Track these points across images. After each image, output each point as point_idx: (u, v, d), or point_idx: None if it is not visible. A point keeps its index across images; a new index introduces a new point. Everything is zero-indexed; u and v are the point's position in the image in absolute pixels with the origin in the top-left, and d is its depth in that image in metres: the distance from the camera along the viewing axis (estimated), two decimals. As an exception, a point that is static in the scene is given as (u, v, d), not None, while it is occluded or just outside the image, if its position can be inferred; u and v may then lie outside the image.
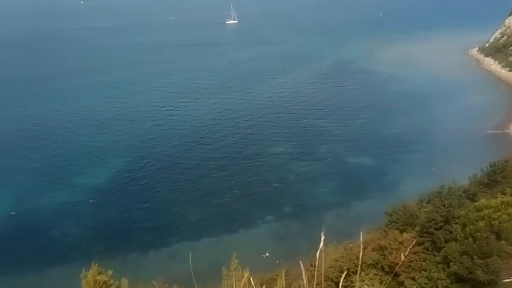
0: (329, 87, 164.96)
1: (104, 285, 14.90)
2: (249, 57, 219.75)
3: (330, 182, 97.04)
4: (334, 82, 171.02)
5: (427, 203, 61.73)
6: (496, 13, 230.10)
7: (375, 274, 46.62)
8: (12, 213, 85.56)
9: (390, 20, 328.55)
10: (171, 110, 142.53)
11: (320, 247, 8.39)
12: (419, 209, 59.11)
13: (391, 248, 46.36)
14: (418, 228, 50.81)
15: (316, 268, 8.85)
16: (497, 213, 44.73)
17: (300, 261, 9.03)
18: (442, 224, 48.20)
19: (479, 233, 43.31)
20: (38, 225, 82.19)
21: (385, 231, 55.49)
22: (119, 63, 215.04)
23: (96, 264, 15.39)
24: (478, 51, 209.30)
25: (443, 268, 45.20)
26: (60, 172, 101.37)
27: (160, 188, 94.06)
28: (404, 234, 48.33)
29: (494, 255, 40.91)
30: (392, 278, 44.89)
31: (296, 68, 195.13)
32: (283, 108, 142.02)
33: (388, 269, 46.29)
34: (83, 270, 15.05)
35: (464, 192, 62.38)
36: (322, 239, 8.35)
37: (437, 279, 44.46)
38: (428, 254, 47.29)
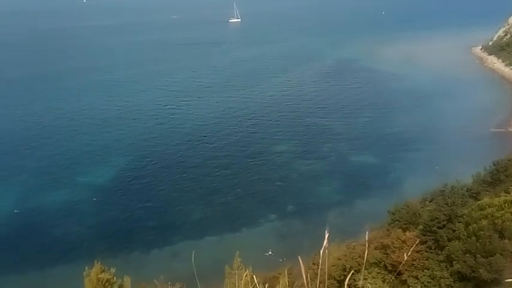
0: (332, 85, 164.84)
1: (106, 284, 14.89)
2: (251, 56, 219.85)
3: (333, 181, 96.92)
4: (336, 81, 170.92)
5: (430, 201, 61.67)
6: (499, 11, 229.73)
7: (378, 273, 46.60)
8: (15, 211, 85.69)
9: (393, 19, 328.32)
10: (174, 108, 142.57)
11: (324, 245, 8.36)
12: (422, 207, 59.04)
13: (394, 247, 46.30)
14: (421, 226, 50.75)
15: (320, 267, 8.82)
16: (501, 212, 44.66)
17: (300, 259, 8.95)
18: (445, 222, 48.11)
19: (482, 232, 43.23)
20: (41, 223, 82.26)
21: (388, 230, 55.42)
22: (121, 61, 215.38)
23: (99, 263, 15.37)
24: (481, 49, 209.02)
25: (446, 267, 45.15)
26: (62, 171, 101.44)
27: (163, 187, 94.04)
28: (407, 233, 48.30)
29: (497, 254, 40.85)
30: (395, 277, 44.85)
31: (299, 67, 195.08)
32: (286, 106, 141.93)
33: (391, 268, 46.24)
34: (86, 268, 15.02)
35: (467, 191, 62.36)
36: (326, 236, 8.31)
37: (440, 277, 44.40)
38: (431, 252, 47.23)
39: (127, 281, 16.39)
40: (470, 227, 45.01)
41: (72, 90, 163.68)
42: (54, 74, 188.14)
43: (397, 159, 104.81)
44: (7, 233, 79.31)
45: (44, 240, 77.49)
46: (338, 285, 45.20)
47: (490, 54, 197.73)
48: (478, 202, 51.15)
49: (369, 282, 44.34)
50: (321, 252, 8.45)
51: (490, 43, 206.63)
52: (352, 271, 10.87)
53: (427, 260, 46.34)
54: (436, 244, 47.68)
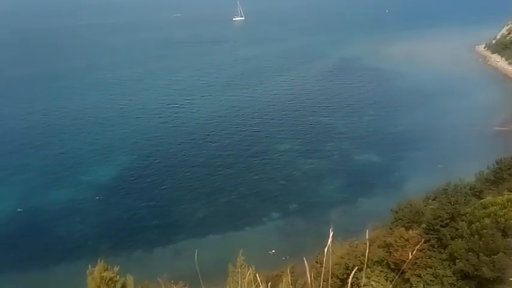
0: (335, 84, 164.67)
1: (110, 282, 14.95)
2: (255, 54, 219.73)
3: (336, 180, 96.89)
4: (340, 79, 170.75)
5: (433, 200, 61.69)
6: (502, 10, 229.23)
7: (381, 271, 46.65)
8: (18, 210, 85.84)
9: (396, 17, 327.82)
10: (177, 107, 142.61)
11: (328, 243, 8.40)
12: (425, 206, 59.06)
13: (397, 245, 46.36)
14: (424, 225, 50.79)
15: (324, 265, 8.87)
16: (504, 211, 44.70)
17: (304, 259, 9.02)
18: (448, 221, 48.17)
19: (485, 230, 43.28)
20: (45, 222, 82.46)
21: (391, 229, 55.49)
22: (124, 60, 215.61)
23: (102, 261, 15.44)
24: (484, 47, 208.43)
25: (449, 265, 45.20)
26: (66, 170, 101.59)
27: (167, 186, 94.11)
28: (410, 232, 48.32)
29: (500, 253, 40.89)
30: (398, 275, 44.89)
31: (302, 65, 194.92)
32: (290, 105, 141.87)
33: (393, 266, 46.30)
34: (89, 266, 15.09)
35: (470, 190, 62.36)
36: (331, 235, 8.35)
37: (443, 276, 44.45)
38: (434, 251, 47.28)
39: (130, 279, 16.46)
40: (473, 225, 45.04)
41: (76, 89, 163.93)
42: (57, 72, 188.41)
43: (400, 157, 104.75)
44: (11, 232, 79.51)
45: (48, 239, 77.69)
46: (341, 283, 45.26)
47: (493, 52, 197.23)
48: (481, 201, 51.18)
49: (373, 280, 44.42)
50: (325, 250, 8.49)
51: (494, 41, 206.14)
52: (355, 269, 10.90)
53: (429, 258, 46.40)
54: (439, 243, 47.73)
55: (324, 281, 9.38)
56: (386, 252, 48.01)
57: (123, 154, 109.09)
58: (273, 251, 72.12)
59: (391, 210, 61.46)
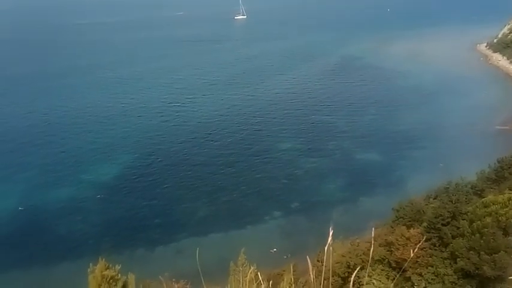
0: (337, 83, 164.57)
1: (111, 280, 14.98)
2: (257, 53, 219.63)
3: (338, 179, 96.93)
4: (342, 78, 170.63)
5: (435, 198, 61.74)
6: (504, 9, 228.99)
7: (382, 270, 46.68)
8: (20, 208, 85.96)
9: (398, 16, 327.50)
10: (179, 106, 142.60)
11: (328, 242, 8.42)
12: (427, 205, 59.13)
13: (398, 244, 46.39)
14: (425, 224, 50.82)
15: (324, 264, 8.89)
16: (505, 209, 44.70)
17: (307, 257, 9.06)
18: (449, 219, 48.18)
19: (486, 229, 43.30)
20: (46, 221, 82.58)
21: (392, 227, 55.54)
22: (125, 58, 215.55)
23: (104, 260, 15.47)
24: (486, 46, 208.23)
25: (450, 264, 45.22)
26: (67, 168, 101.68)
27: (168, 185, 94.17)
28: (411, 230, 48.37)
29: (501, 251, 40.90)
30: (399, 274, 44.93)
31: (304, 64, 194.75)
32: (291, 104, 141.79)
33: (395, 265, 46.33)
34: (90, 265, 15.13)
35: (471, 188, 62.39)
36: (331, 233, 8.38)
37: (444, 275, 44.47)
38: (435, 249, 47.31)
39: (131, 278, 16.49)
40: (474, 224, 45.06)
41: (77, 87, 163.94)
42: (58, 71, 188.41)
43: (401, 156, 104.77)
44: (12, 230, 79.63)
45: (49, 238, 77.82)
46: (342, 282, 45.33)
47: (494, 51, 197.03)
48: (482, 199, 51.20)
49: (374, 279, 44.46)
50: (325, 249, 8.52)
51: (495, 40, 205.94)
52: (358, 268, 10.93)
53: (431, 257, 46.42)
54: (440, 241, 47.75)
55: (324, 279, 9.40)
56: (388, 250, 48.04)
57: (125, 153, 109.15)
58: (275, 249, 72.21)
59: (392, 208, 61.51)
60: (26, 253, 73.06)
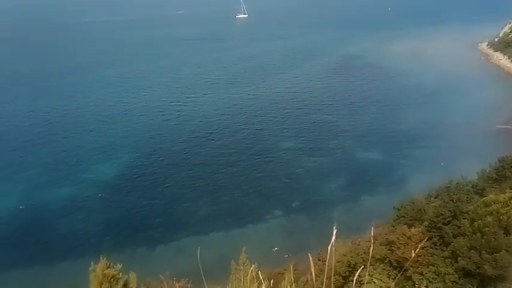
0: (338, 82, 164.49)
1: (112, 279, 14.99)
2: (258, 52, 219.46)
3: (339, 178, 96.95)
4: (343, 77, 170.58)
5: (436, 198, 61.72)
6: (505, 8, 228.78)
7: (383, 269, 46.66)
8: (21, 207, 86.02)
9: (399, 15, 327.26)
10: (180, 105, 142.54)
11: (332, 241, 8.42)
12: (428, 204, 59.10)
13: (399, 243, 46.38)
14: (426, 223, 50.80)
15: (326, 263, 8.90)
16: (506, 209, 44.66)
17: (309, 254, 9.04)
18: (450, 219, 48.17)
19: (487, 228, 43.27)
20: (47, 220, 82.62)
21: (393, 226, 55.52)
22: (126, 57, 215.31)
23: (105, 258, 15.48)
24: (487, 46, 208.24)
25: (451, 263, 45.20)
26: (68, 167, 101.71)
27: (169, 184, 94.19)
28: (413, 229, 48.35)
29: (502, 250, 40.90)
30: (400, 273, 44.91)
31: (305, 63, 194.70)
32: (293, 103, 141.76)
33: (396, 264, 46.32)
34: (92, 264, 15.14)
35: (472, 187, 62.34)
36: (334, 232, 8.37)
37: (445, 274, 44.47)
38: (436, 249, 47.30)
39: (133, 276, 16.49)
40: (475, 223, 45.04)
41: (78, 86, 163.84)
42: (60, 69, 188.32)
43: (402, 155, 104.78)
44: (13, 229, 79.70)
45: (50, 236, 77.88)
46: (343, 281, 45.33)
47: (495, 50, 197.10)
48: (483, 198, 51.14)
49: (375, 278, 44.45)
50: (329, 248, 8.52)
51: (496, 39, 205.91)
52: (360, 268, 10.92)
53: (432, 256, 46.41)
54: (441, 240, 47.74)
55: (326, 278, 9.39)
56: (389, 250, 48.04)
57: (126, 152, 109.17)
58: (276, 248, 72.24)
59: (393, 208, 61.49)
60: (27, 252, 73.11)
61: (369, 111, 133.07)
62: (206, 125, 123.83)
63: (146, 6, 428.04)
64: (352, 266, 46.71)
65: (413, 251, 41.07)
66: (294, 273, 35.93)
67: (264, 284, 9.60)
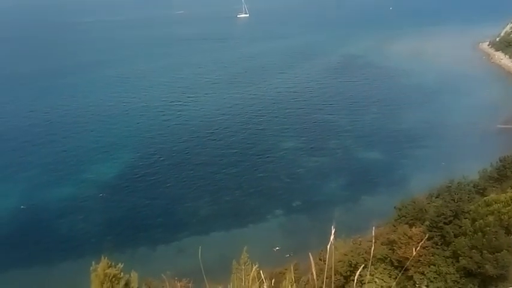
0: (339, 81, 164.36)
1: (113, 279, 14.99)
2: (259, 52, 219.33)
3: (340, 177, 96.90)
4: (344, 77, 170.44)
5: (437, 197, 61.70)
6: (506, 7, 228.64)
7: (384, 268, 46.67)
8: (22, 207, 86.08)
9: (400, 14, 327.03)
10: (180, 105, 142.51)
11: (330, 240, 8.42)
12: (429, 203, 59.09)
13: (400, 243, 46.38)
14: (427, 222, 50.80)
15: (327, 262, 8.90)
16: (507, 208, 44.66)
17: (310, 254, 9.04)
18: (451, 218, 48.16)
19: (488, 228, 43.26)
20: (48, 219, 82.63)
21: (394, 226, 55.54)
22: (127, 57, 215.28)
23: (106, 258, 15.49)
24: (488, 45, 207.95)
25: (452, 263, 45.21)
26: (69, 167, 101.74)
27: (170, 184, 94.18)
28: (414, 229, 48.35)
29: (503, 250, 40.89)
30: (401, 273, 44.92)
31: (306, 63, 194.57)
32: (293, 103, 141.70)
33: (397, 264, 46.32)
34: (93, 263, 15.15)
35: (474, 187, 62.36)
36: (333, 232, 8.37)
37: (446, 273, 44.47)
38: (438, 248, 47.31)
39: (134, 276, 16.50)
40: (476, 223, 45.03)
41: (79, 86, 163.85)
42: (60, 69, 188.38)
43: (403, 155, 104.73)
44: (14, 229, 79.78)
45: (51, 236, 77.91)
46: (344, 280, 45.33)
47: (497, 50, 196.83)
48: (485, 198, 51.15)
49: (376, 277, 44.45)
50: (328, 247, 8.52)
51: (497, 39, 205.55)
52: (361, 267, 10.91)
53: (433, 256, 46.41)
54: (442, 240, 47.74)
55: (327, 278, 9.39)
56: (390, 249, 48.04)
57: (127, 152, 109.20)
58: (278, 248, 72.22)
59: (394, 207, 61.50)
60: (28, 252, 73.14)
61: (370, 111, 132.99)
62: (207, 125, 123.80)
63: (146, 6, 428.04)
64: (353, 265, 46.69)
65: (414, 250, 41.08)
66: (294, 273, 35.95)
67: (265, 284, 9.60)
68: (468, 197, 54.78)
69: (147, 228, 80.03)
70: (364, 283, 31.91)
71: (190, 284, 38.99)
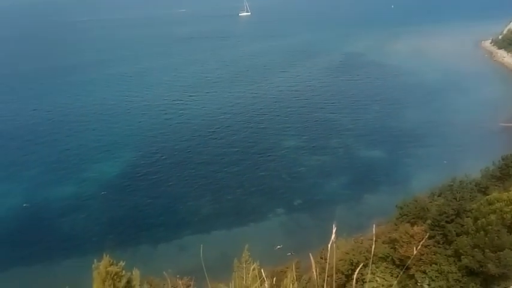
0: (341, 80, 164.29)
1: (115, 276, 14.98)
2: (261, 50, 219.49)
3: (342, 176, 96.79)
4: (346, 75, 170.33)
5: (439, 196, 61.59)
6: (508, 5, 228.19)
7: (386, 267, 46.63)
8: (24, 205, 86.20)
9: (402, 12, 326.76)
10: (182, 103, 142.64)
11: (332, 239, 8.41)
12: (431, 202, 58.99)
13: (402, 241, 46.34)
14: (429, 221, 50.75)
15: (328, 261, 8.89)
16: (510, 207, 44.56)
17: (310, 254, 9.06)
18: (453, 217, 48.11)
19: (490, 227, 43.20)
20: (50, 218, 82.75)
21: (396, 225, 55.47)
22: (129, 56, 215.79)
23: (108, 256, 15.48)
24: (490, 43, 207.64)
25: (454, 261, 45.15)
26: (71, 166, 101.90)
27: (172, 182, 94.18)
28: (415, 228, 48.29)
29: (506, 249, 40.81)
30: (403, 271, 44.88)
31: (308, 61, 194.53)
32: (295, 101, 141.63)
33: (398, 262, 46.28)
34: (95, 261, 15.16)
35: (476, 186, 62.22)
36: (334, 230, 8.36)
37: (448, 272, 44.41)
38: (439, 247, 47.25)
39: (136, 273, 16.48)
40: (478, 221, 44.97)
41: (81, 85, 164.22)
42: (63, 68, 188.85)
43: (405, 154, 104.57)
44: (16, 227, 79.92)
45: (53, 234, 78.01)
46: (346, 279, 45.30)
47: (499, 48, 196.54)
48: (487, 197, 51.05)
49: (378, 276, 44.42)
50: (329, 246, 8.51)
51: (500, 37, 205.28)
52: (360, 265, 10.92)
53: (434, 254, 46.36)
54: (444, 239, 47.69)
55: (328, 276, 9.39)
56: (391, 248, 48.01)
57: (129, 150, 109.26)
58: (280, 246, 72.16)
59: (396, 206, 61.45)
60: (31, 250, 73.27)
61: (372, 109, 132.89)
62: (209, 124, 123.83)
63: (148, 4, 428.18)
64: (354, 264, 46.67)
65: (415, 249, 41.04)
66: (296, 271, 35.91)
67: (266, 282, 9.61)
68: (470, 196, 54.72)
69: (149, 226, 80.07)
70: (366, 282, 31.92)
71: (191, 282, 38.97)
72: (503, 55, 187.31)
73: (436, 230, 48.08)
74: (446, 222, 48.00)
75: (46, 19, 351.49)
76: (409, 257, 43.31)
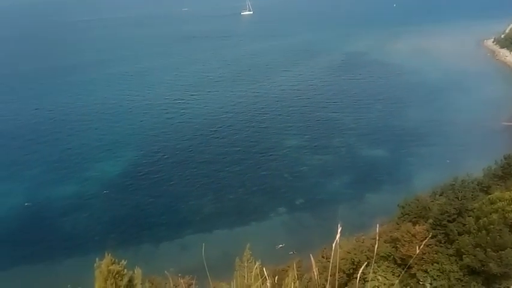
0: (343, 79, 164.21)
1: (117, 275, 14.99)
2: (263, 49, 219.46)
3: (344, 175, 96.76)
4: (348, 74, 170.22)
5: (440, 195, 61.52)
6: (511, 4, 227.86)
7: (387, 266, 46.62)
8: (26, 204, 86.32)
9: (404, 11, 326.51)
10: (184, 102, 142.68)
11: (336, 239, 8.41)
12: (433, 201, 58.91)
13: (404, 241, 46.32)
14: (431, 220, 50.70)
15: (331, 260, 8.89)
16: (511, 206, 44.50)
17: (311, 255, 9.06)
18: (455, 216, 48.08)
19: (492, 226, 43.17)
20: (52, 216, 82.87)
21: (398, 224, 55.45)
22: (131, 55, 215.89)
23: (110, 254, 15.50)
24: (493, 42, 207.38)
25: (455, 261, 45.13)
26: (73, 165, 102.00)
27: (174, 182, 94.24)
28: (417, 227, 48.26)
29: (508, 248, 40.78)
30: (404, 271, 44.87)
31: (310, 60, 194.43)
32: (297, 101, 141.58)
33: (400, 261, 46.27)
34: (97, 260, 15.17)
35: (478, 185, 62.10)
36: (339, 230, 8.36)
37: (450, 271, 44.40)
38: (441, 246, 47.23)
39: (138, 272, 16.49)
40: (480, 221, 44.95)
41: (83, 84, 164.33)
42: (65, 67, 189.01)
43: (407, 153, 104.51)
44: (18, 226, 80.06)
45: (55, 233, 78.15)
46: (347, 278, 45.32)
47: (502, 47, 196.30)
48: (489, 196, 51.02)
49: (379, 275, 44.41)
50: (333, 245, 8.51)
51: (502, 36, 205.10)
52: (364, 265, 10.92)
53: (436, 253, 46.35)
54: (446, 238, 47.67)
55: (330, 275, 9.40)
56: (393, 247, 47.99)
57: (130, 150, 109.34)
58: (282, 245, 72.17)
59: (398, 205, 61.41)
60: (33, 249, 73.37)
61: (375, 108, 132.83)
62: (210, 123, 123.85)
63: (150, 4, 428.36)
64: (356, 263, 46.68)
65: (417, 248, 41.03)
66: (297, 270, 35.92)
67: (268, 281, 9.62)
68: (472, 195, 54.65)
69: (151, 225, 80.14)
70: (367, 281, 31.91)
71: (193, 281, 39.00)
72: (505, 54, 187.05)
73: (438, 229, 48.07)
74: (448, 221, 47.98)
75: (46, 19, 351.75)
76: (410, 256, 43.33)
